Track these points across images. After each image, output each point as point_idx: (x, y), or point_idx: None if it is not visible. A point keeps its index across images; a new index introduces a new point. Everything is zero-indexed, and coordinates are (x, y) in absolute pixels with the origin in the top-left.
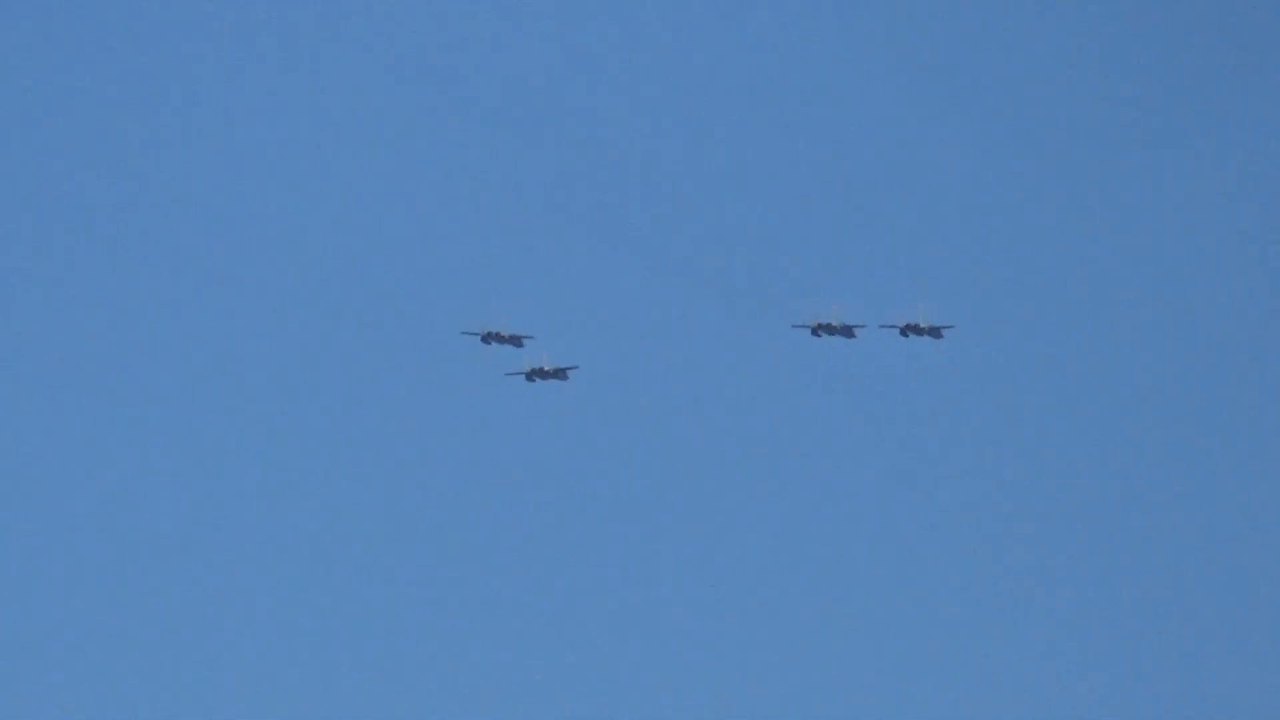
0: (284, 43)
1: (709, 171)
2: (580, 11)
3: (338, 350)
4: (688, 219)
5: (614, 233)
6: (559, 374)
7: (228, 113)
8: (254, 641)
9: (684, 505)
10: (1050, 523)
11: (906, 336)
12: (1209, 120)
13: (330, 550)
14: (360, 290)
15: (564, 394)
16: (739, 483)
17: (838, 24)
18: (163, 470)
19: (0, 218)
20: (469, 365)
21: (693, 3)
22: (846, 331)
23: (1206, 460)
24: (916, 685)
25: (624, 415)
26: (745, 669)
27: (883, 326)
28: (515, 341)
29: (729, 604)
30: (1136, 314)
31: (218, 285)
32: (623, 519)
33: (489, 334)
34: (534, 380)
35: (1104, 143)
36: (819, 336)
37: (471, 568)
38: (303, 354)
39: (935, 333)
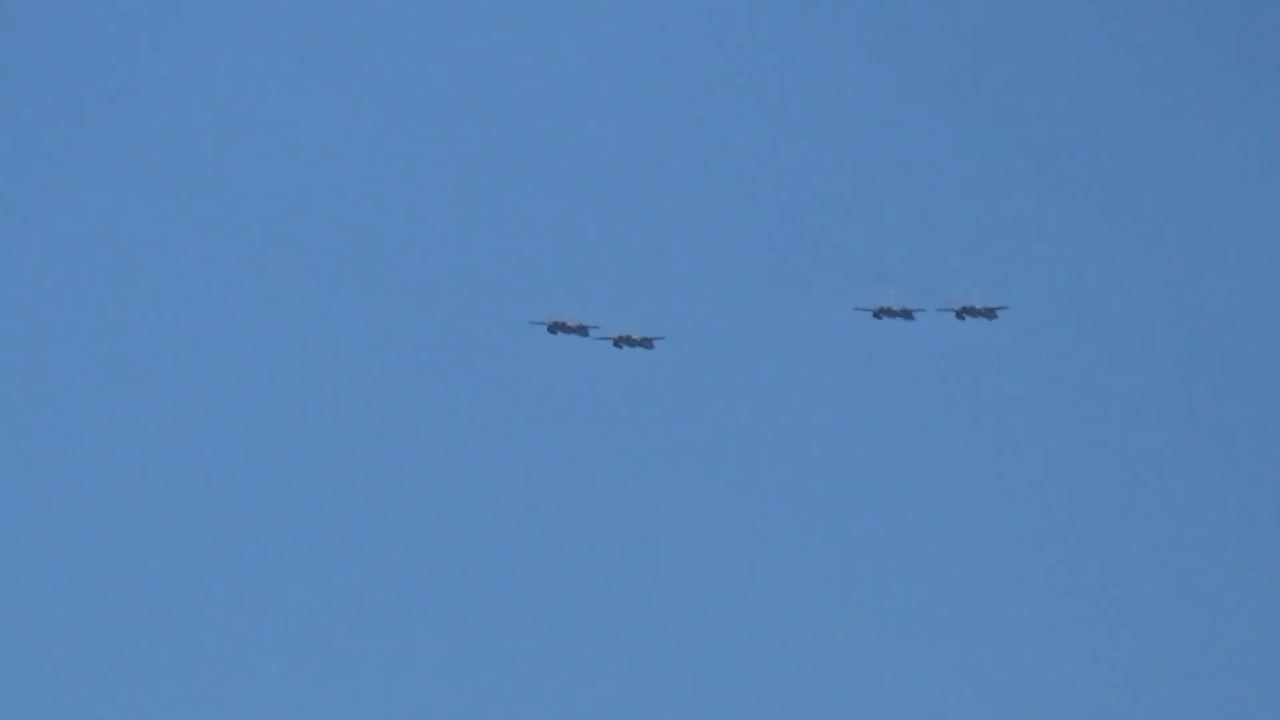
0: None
1: (759, 164)
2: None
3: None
4: (743, 209)
5: (676, 220)
6: (645, 343)
7: (256, 112)
8: (265, 642)
9: (751, 482)
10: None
11: (963, 319)
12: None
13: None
14: (416, 282)
15: (647, 363)
16: (806, 464)
17: (878, 22)
18: (189, 469)
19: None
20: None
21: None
22: (906, 315)
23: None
24: (958, 685)
25: (697, 393)
26: (802, 660)
27: (939, 310)
28: (581, 331)
29: (798, 578)
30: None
31: (257, 272)
32: (692, 496)
33: (555, 324)
34: (620, 347)
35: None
36: (880, 320)
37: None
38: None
39: (990, 314)
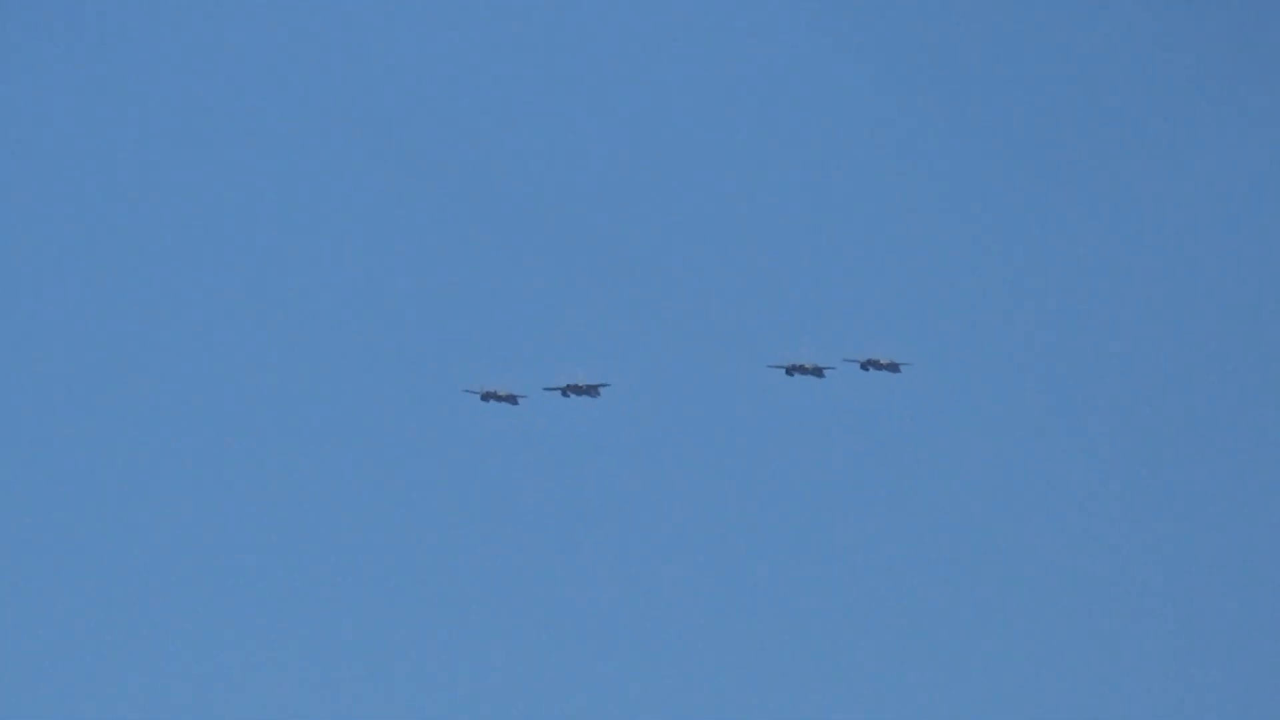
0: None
1: (687, 217)
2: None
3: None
4: (661, 262)
5: (599, 276)
6: (591, 390)
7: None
8: (272, 645)
9: (674, 533)
10: (1030, 537)
11: (867, 371)
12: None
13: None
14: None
15: (593, 411)
16: (729, 510)
17: (816, 54)
18: (175, 478)
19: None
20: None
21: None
22: (817, 371)
23: (1190, 488)
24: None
25: (632, 443)
26: (727, 681)
27: (846, 360)
28: (511, 400)
29: (709, 633)
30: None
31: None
32: (613, 547)
33: (488, 393)
34: (568, 395)
35: (1089, 165)
36: (792, 376)
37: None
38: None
39: (894, 368)
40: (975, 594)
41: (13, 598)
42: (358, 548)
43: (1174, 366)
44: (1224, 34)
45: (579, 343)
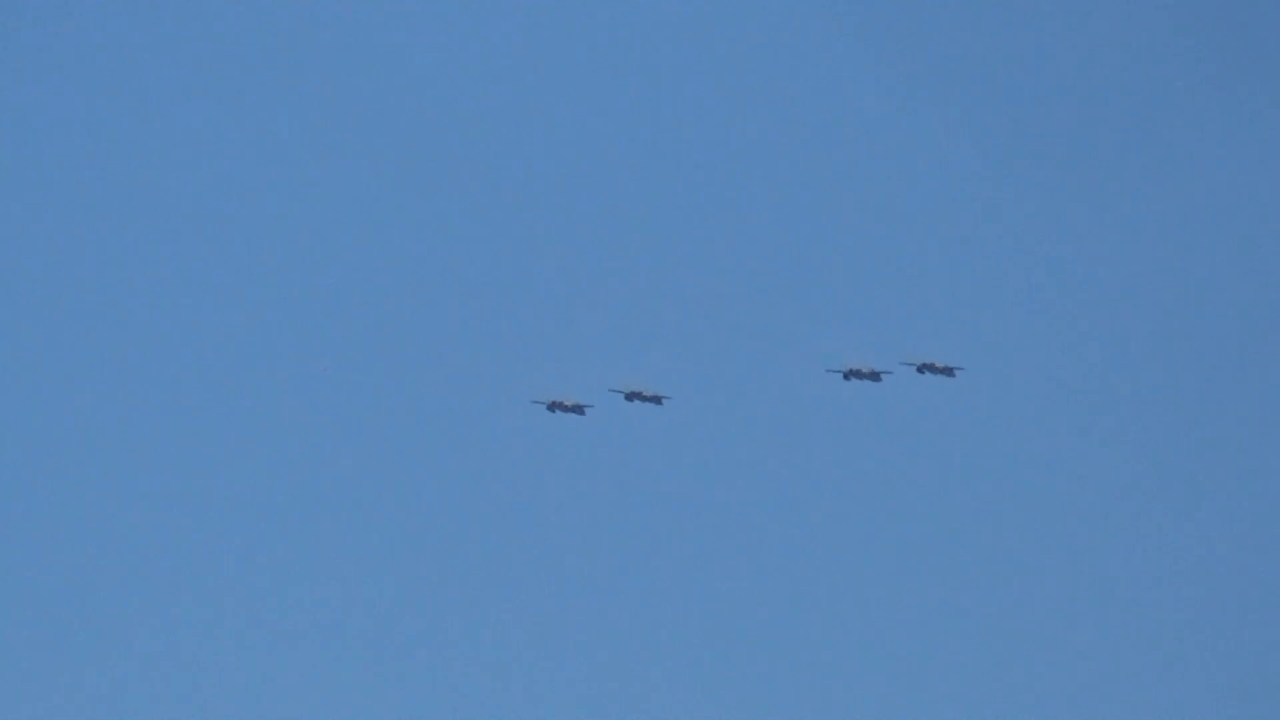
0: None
1: (742, 223)
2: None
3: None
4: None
5: (651, 284)
6: (655, 399)
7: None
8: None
9: (721, 536)
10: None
11: (923, 374)
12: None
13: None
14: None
15: (650, 421)
16: (783, 520)
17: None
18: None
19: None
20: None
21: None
22: (874, 376)
23: (1236, 492)
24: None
25: (696, 451)
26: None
27: (902, 364)
28: (578, 410)
29: (762, 641)
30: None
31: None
32: (667, 555)
33: (555, 403)
34: (632, 401)
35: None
36: (849, 380)
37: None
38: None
39: (949, 372)
40: (1042, 597)
41: (12, 597)
42: (433, 557)
43: (1229, 367)
44: (1224, 34)
45: (636, 350)
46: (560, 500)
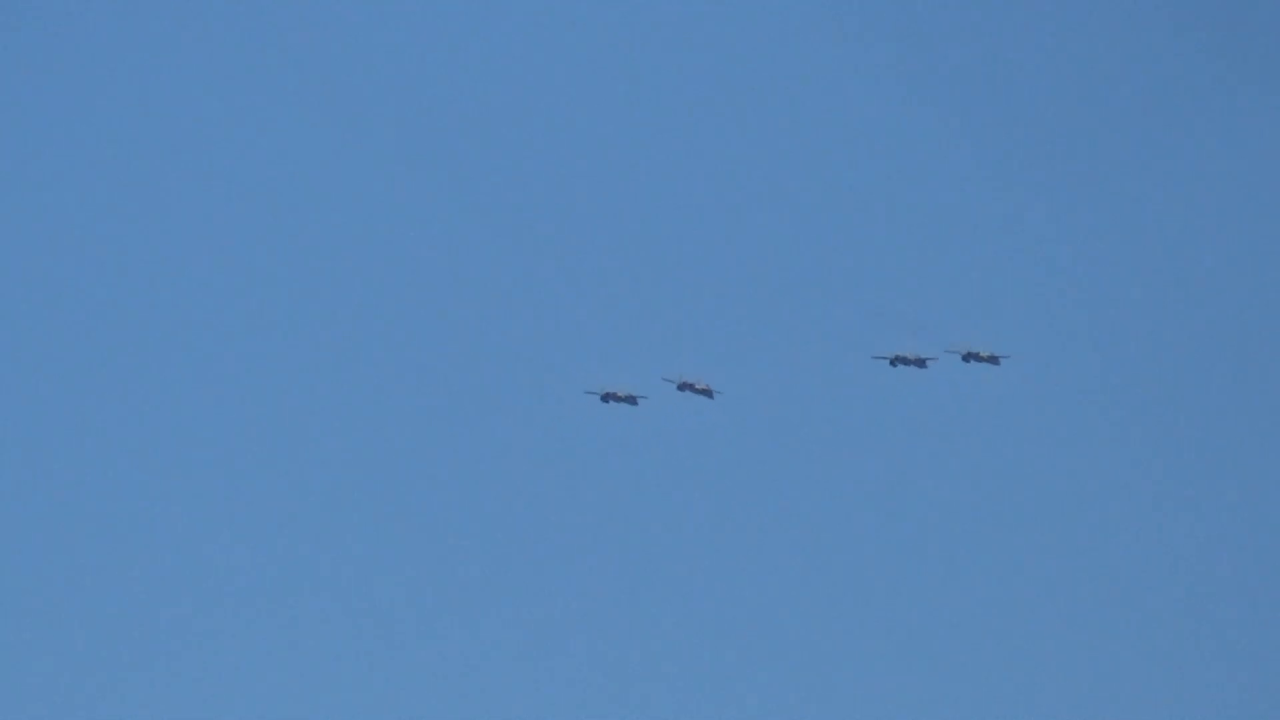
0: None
1: (790, 211)
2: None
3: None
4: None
5: (694, 271)
6: (706, 392)
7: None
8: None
9: (771, 525)
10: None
11: (968, 362)
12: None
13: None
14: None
15: (708, 410)
16: (831, 503)
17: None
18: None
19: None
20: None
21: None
22: (919, 363)
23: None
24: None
25: (730, 440)
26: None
27: (947, 351)
28: (631, 400)
29: (803, 623)
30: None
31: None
32: (716, 536)
33: (608, 394)
34: (683, 391)
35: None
36: (895, 367)
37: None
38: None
39: (994, 360)
40: (1079, 584)
41: (13, 597)
42: (484, 544)
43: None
44: (1225, 34)
45: (681, 337)
46: (608, 490)
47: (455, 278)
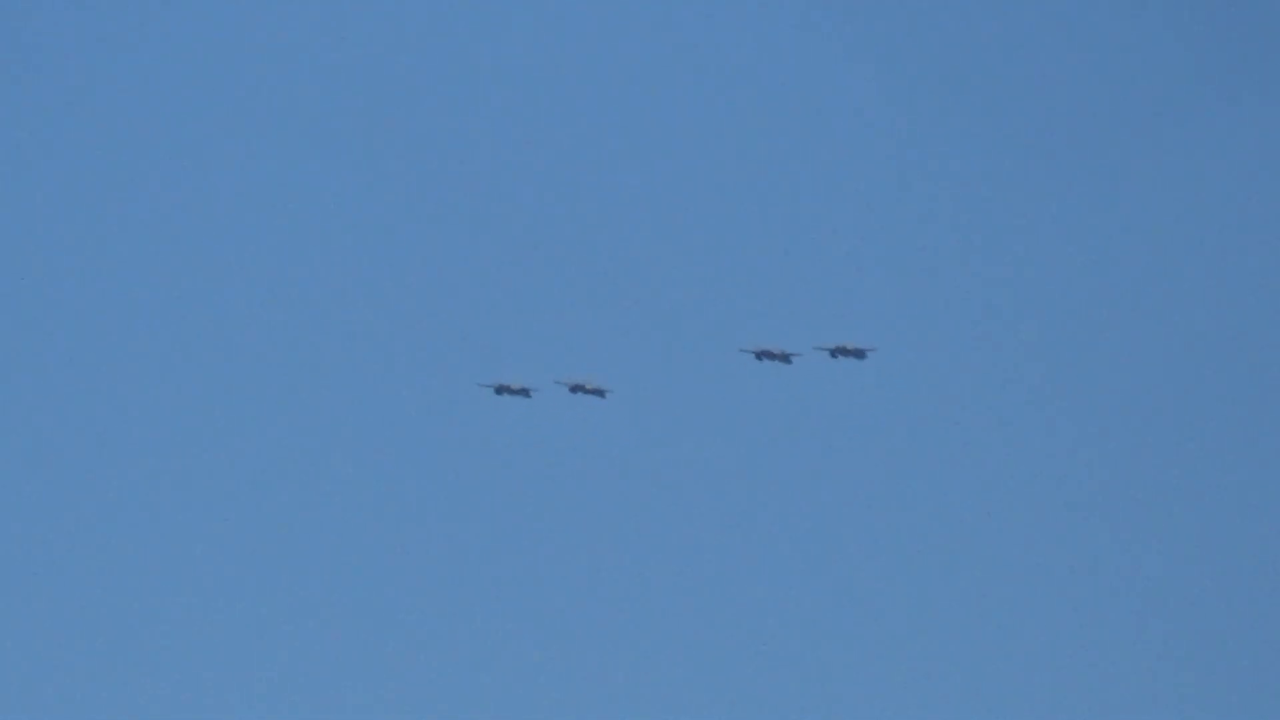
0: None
1: (665, 207)
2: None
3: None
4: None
5: (579, 261)
6: (598, 392)
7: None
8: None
9: (653, 520)
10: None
11: (835, 358)
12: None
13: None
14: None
15: (598, 411)
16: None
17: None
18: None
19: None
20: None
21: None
22: (784, 358)
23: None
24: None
25: (616, 436)
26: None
27: (816, 348)
28: (524, 393)
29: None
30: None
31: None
32: (600, 533)
33: (501, 386)
34: (575, 393)
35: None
36: (761, 361)
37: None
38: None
39: (859, 354)
40: (938, 582)
41: (12, 598)
42: (376, 539)
43: (1147, 351)
44: (1225, 34)
45: (562, 332)
46: (506, 480)
47: (360, 274)
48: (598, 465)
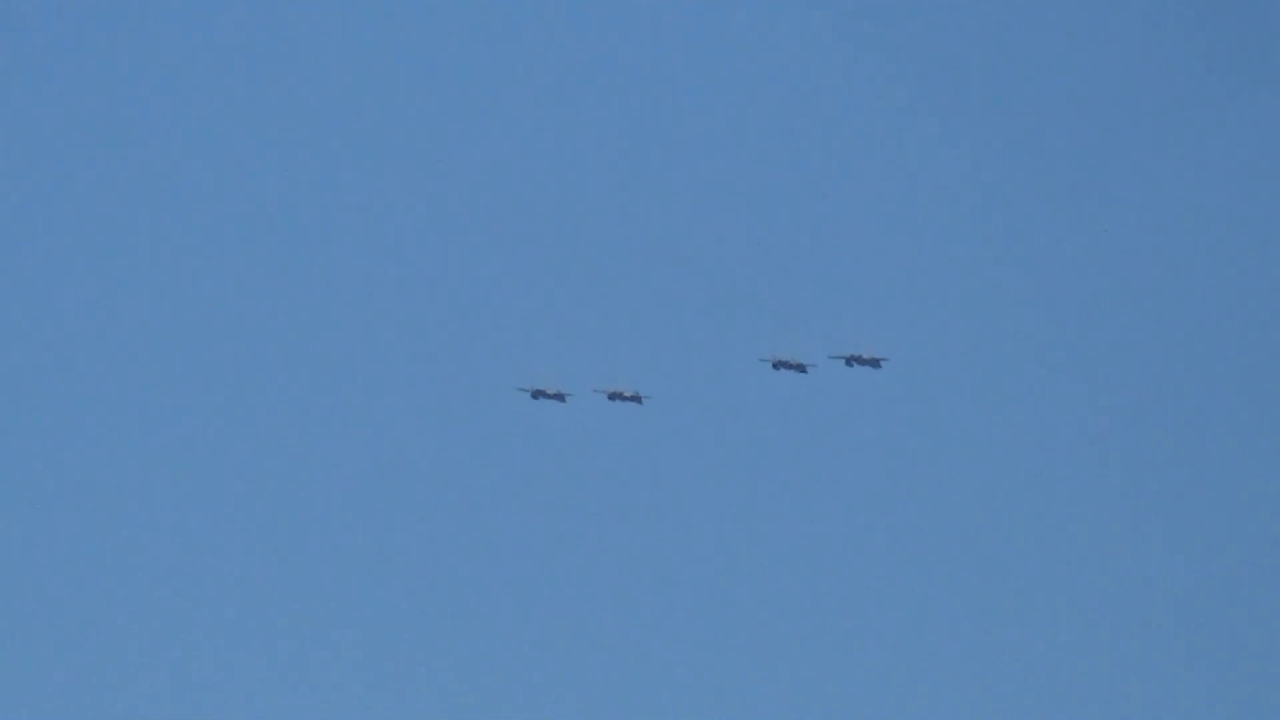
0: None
1: (678, 213)
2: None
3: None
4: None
5: (594, 263)
6: (635, 398)
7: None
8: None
9: (672, 521)
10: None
11: (851, 366)
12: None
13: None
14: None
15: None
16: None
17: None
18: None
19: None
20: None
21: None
22: (800, 368)
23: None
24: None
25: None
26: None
27: (831, 357)
28: (559, 398)
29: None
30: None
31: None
32: (608, 540)
33: (538, 391)
34: (614, 400)
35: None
36: (777, 370)
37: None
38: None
39: (875, 363)
40: (952, 588)
41: (12, 598)
42: (412, 543)
43: (1168, 360)
44: (1224, 34)
45: (593, 336)
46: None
47: (387, 275)
48: (627, 470)
